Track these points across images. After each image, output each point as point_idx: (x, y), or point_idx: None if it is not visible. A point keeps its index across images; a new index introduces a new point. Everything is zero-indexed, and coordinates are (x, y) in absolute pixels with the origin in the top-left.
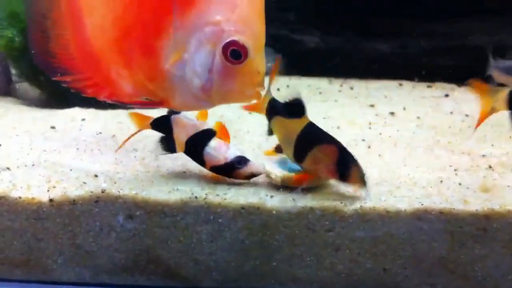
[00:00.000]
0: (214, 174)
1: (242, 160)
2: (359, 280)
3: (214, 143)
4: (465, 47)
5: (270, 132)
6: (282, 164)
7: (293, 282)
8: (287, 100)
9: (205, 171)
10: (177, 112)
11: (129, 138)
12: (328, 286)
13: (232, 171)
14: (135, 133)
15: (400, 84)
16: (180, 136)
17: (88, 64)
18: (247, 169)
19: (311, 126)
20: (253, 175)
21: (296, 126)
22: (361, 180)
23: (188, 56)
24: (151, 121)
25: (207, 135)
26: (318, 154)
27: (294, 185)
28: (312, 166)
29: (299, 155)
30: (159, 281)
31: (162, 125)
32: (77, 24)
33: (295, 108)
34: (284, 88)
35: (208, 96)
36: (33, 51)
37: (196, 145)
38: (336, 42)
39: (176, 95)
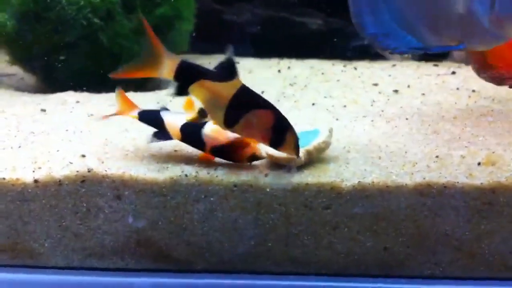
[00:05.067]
0: (206, 156)
1: (243, 141)
2: (359, 259)
3: (210, 125)
4: None
5: (179, 92)
6: None
7: (290, 262)
8: (219, 62)
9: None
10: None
11: (107, 116)
12: (326, 267)
13: (234, 151)
14: (114, 115)
15: (406, 64)
16: (173, 125)
17: None
18: (249, 149)
19: (245, 89)
20: (255, 157)
21: (228, 89)
22: (295, 149)
23: None
24: (138, 111)
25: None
26: (252, 118)
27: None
28: (245, 131)
29: (231, 119)
30: (150, 264)
31: (151, 117)
32: None
33: (228, 69)
34: (285, 69)
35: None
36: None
37: (193, 129)
38: (338, 24)
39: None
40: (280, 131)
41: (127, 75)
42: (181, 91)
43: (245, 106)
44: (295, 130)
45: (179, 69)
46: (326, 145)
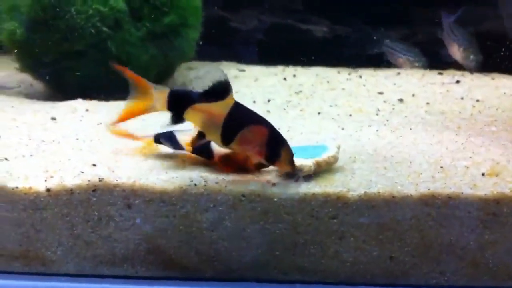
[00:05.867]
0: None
1: None
2: (365, 268)
3: None
4: (476, 33)
5: (175, 121)
6: (302, 153)
7: (297, 271)
8: (212, 84)
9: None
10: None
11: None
12: (333, 275)
13: (242, 159)
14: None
15: (411, 72)
16: (184, 138)
17: None
18: (252, 160)
19: (239, 106)
20: (263, 164)
21: (221, 108)
22: (289, 164)
23: None
24: (155, 135)
25: None
26: (247, 134)
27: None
28: (241, 147)
29: (227, 137)
30: (160, 271)
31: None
32: None
33: (221, 90)
34: (291, 77)
35: None
36: None
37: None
38: (343, 31)
39: None
40: (274, 146)
41: (126, 118)
42: (177, 119)
43: (240, 123)
44: (289, 145)
45: (170, 99)
46: (334, 160)
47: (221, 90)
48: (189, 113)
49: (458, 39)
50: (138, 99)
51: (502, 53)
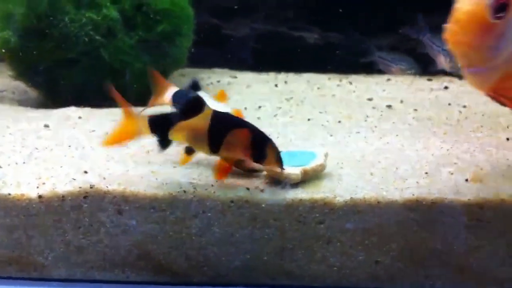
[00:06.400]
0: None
1: None
2: (351, 273)
3: None
4: None
5: (163, 145)
6: (290, 159)
7: (285, 276)
8: (185, 102)
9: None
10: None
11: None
12: (320, 280)
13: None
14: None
15: (400, 79)
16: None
17: None
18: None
19: (218, 115)
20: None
21: (202, 121)
22: (277, 161)
23: None
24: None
25: None
26: (231, 139)
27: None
28: (229, 153)
29: (214, 146)
30: (150, 277)
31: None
32: None
33: (196, 105)
34: (282, 84)
35: None
36: None
37: None
38: (335, 39)
39: None
40: (259, 146)
41: (118, 142)
42: (164, 143)
43: (223, 130)
44: (275, 143)
45: (151, 124)
46: (322, 168)
47: (194, 106)
48: (173, 133)
49: (441, 50)
50: (125, 124)
51: None
